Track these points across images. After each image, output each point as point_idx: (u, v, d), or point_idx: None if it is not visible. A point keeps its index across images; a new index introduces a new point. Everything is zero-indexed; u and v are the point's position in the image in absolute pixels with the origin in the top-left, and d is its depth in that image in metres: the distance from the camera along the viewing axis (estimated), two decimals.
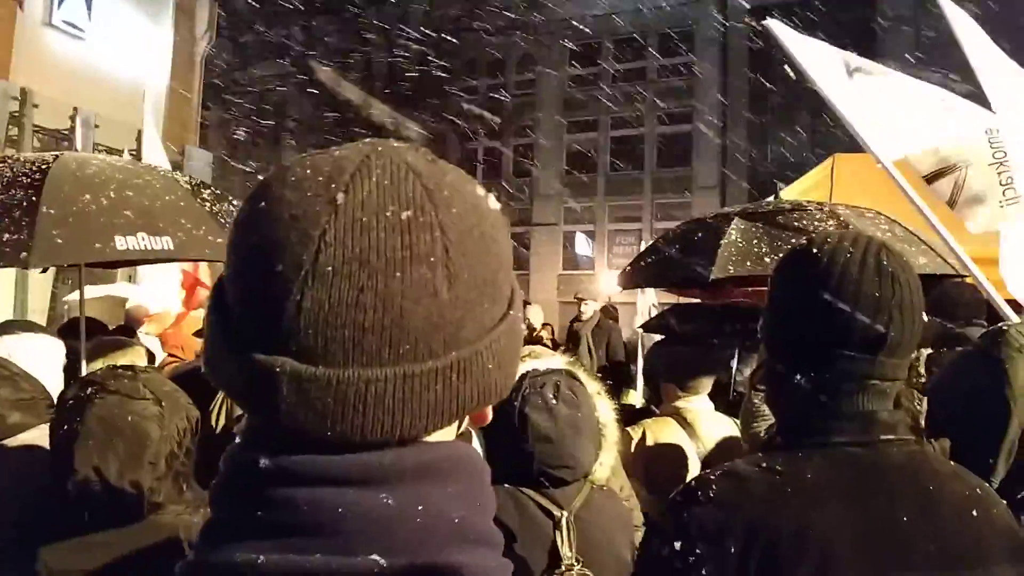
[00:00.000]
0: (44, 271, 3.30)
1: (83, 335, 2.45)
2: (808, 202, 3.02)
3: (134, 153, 10.35)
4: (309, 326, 0.52)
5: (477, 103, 23.06)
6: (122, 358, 2.51)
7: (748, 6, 20.78)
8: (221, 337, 0.57)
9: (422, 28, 22.83)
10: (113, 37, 11.67)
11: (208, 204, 2.27)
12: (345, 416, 0.53)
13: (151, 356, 3.82)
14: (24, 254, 1.84)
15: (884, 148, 2.61)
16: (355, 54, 22.98)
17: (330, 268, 0.51)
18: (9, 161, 2.19)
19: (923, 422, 1.89)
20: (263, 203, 0.55)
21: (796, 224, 2.78)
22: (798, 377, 1.06)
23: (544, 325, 7.17)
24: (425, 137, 23.45)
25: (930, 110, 2.73)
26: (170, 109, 12.72)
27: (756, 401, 2.38)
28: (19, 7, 10.07)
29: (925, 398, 2.08)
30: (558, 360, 1.74)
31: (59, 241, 1.89)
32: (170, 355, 4.15)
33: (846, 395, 1.04)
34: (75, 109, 10.22)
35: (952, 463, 1.14)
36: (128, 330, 4.02)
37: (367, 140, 0.59)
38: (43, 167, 2.09)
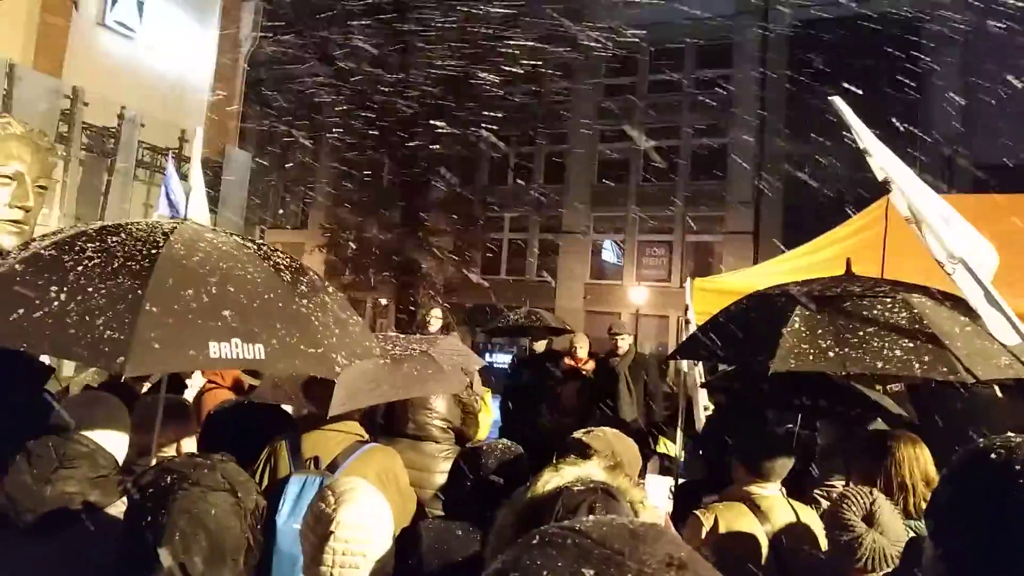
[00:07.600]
0: None
1: (159, 422, 2.40)
2: (877, 286, 2.82)
3: (176, 152, 10.69)
4: None
5: (511, 109, 23.18)
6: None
7: (788, 17, 20.62)
8: None
9: (462, 31, 23.08)
10: (162, 38, 11.92)
11: (306, 300, 2.11)
12: None
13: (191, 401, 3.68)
14: (121, 359, 1.69)
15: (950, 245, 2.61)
16: (392, 56, 23.27)
17: None
18: (122, 236, 2.02)
19: None
20: None
21: (865, 314, 2.61)
22: None
23: (590, 356, 7.22)
24: (459, 140, 23.69)
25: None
26: (212, 109, 13.02)
27: (847, 514, 2.23)
28: (75, 8, 10.41)
29: None
30: (596, 469, 1.64)
31: (156, 346, 1.74)
32: (210, 381, 4.05)
33: None
34: (123, 108, 10.57)
35: None
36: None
37: None
38: (152, 251, 1.96)
